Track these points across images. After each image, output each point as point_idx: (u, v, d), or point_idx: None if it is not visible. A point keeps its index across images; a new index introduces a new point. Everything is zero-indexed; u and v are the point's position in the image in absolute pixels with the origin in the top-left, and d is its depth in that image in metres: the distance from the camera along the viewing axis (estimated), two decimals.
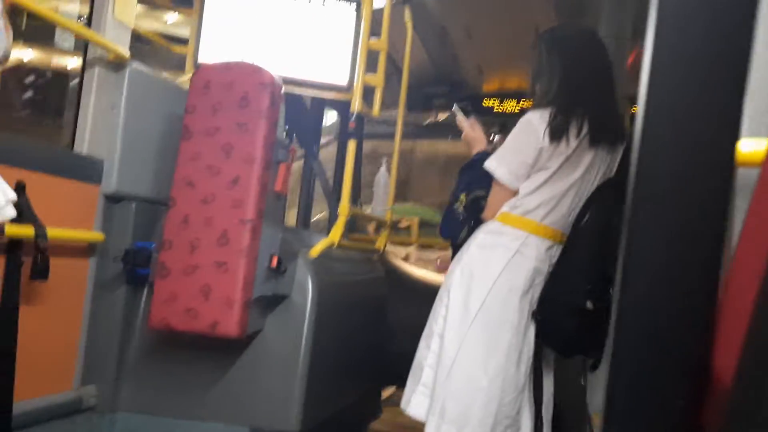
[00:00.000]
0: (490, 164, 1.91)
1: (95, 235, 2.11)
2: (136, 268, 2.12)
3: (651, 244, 0.60)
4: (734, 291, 0.59)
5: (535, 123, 1.86)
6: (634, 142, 0.63)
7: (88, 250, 2.13)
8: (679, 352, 0.57)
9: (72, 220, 2.02)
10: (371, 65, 2.49)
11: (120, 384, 2.19)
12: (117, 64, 2.14)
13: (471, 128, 2.07)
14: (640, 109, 0.63)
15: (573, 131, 1.83)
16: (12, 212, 1.68)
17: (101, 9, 2.10)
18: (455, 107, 2.10)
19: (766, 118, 0.90)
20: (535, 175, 1.87)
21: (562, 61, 1.89)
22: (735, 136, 0.64)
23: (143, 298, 2.22)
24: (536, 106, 1.93)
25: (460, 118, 2.08)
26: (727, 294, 0.60)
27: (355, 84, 2.41)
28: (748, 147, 0.80)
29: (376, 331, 3.00)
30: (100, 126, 2.12)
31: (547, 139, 1.82)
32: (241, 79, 2.08)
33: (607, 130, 1.88)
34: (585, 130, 1.84)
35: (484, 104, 4.30)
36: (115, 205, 2.17)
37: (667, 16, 0.62)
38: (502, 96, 4.31)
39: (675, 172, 0.60)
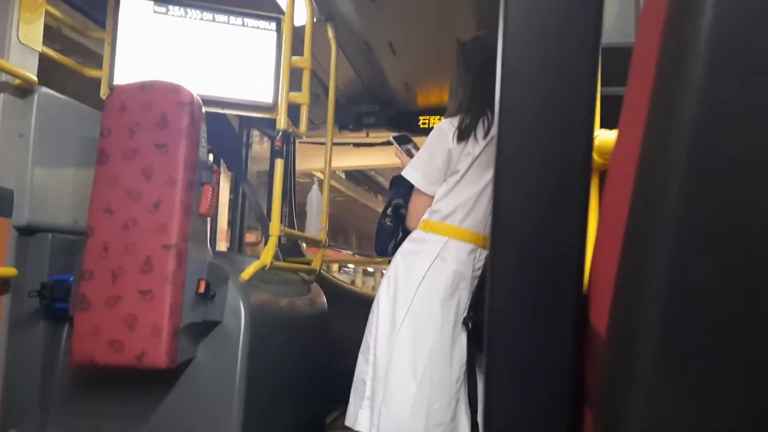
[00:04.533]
0: (406, 171, 1.99)
1: (7, 270, 1.99)
2: (55, 303, 2.00)
3: (519, 223, 0.60)
4: (600, 261, 0.60)
5: (444, 128, 1.93)
6: (495, 139, 0.63)
7: (0, 286, 2.00)
8: (556, 313, 0.57)
9: None
10: (296, 83, 2.47)
11: (44, 427, 2.06)
12: (24, 90, 2.04)
13: (406, 156, 2.15)
14: (497, 105, 0.63)
15: (480, 132, 1.89)
16: None
17: (4, 32, 2.00)
18: (392, 139, 2.21)
19: None
20: (449, 178, 1.92)
21: (470, 72, 1.96)
22: (591, 127, 0.65)
23: (64, 334, 2.10)
24: (449, 115, 2.00)
25: (396, 148, 2.17)
26: (594, 264, 0.62)
27: (279, 102, 2.38)
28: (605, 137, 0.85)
29: (317, 353, 2.93)
30: (9, 155, 2.01)
31: (455, 140, 1.88)
32: (158, 99, 2.01)
33: None
34: (492, 131, 1.89)
35: (414, 121, 4.33)
36: (28, 238, 2.05)
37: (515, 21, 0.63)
38: (434, 112, 4.34)
39: (534, 159, 0.60)
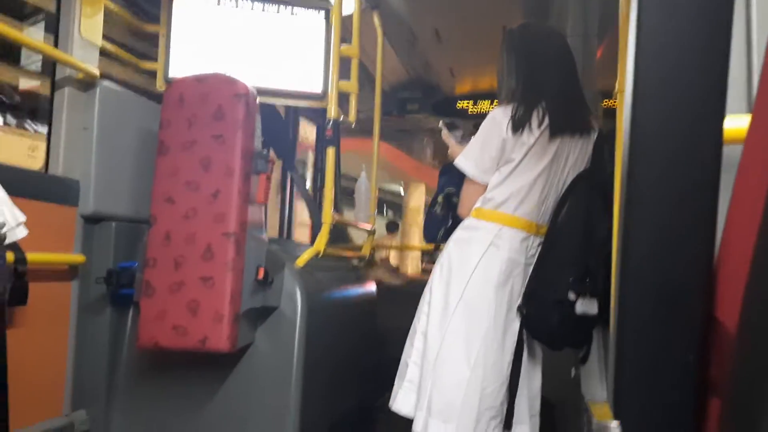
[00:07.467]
0: (459, 161, 1.97)
1: (75, 257, 2.07)
2: (120, 289, 2.08)
3: (650, 215, 0.60)
4: (729, 253, 0.60)
5: (498, 118, 1.91)
6: (624, 129, 0.63)
7: (69, 272, 2.09)
8: (684, 308, 0.57)
9: (51, 243, 1.98)
10: (344, 72, 2.49)
11: (111, 407, 2.15)
12: (87, 83, 2.11)
13: (455, 142, 2.13)
14: (627, 97, 0.63)
15: (534, 122, 1.87)
16: (23, 232, 1.66)
17: (67, 28, 2.07)
18: (441, 123, 2.18)
19: (745, 96, 0.92)
20: (503, 167, 1.91)
21: (523, 60, 1.95)
22: (721, 115, 0.64)
23: (129, 319, 2.18)
24: (502, 104, 1.98)
25: (445, 134, 2.14)
26: (723, 256, 0.61)
27: (329, 91, 2.40)
28: (732, 125, 0.82)
29: (367, 337, 2.98)
30: (74, 147, 2.09)
31: (510, 131, 1.87)
32: (215, 90, 2.06)
33: (568, 120, 1.92)
34: (546, 121, 1.87)
35: (457, 106, 4.34)
36: (94, 226, 2.14)
37: (649, 6, 0.62)
38: (476, 97, 4.35)
39: (667, 152, 0.61)
